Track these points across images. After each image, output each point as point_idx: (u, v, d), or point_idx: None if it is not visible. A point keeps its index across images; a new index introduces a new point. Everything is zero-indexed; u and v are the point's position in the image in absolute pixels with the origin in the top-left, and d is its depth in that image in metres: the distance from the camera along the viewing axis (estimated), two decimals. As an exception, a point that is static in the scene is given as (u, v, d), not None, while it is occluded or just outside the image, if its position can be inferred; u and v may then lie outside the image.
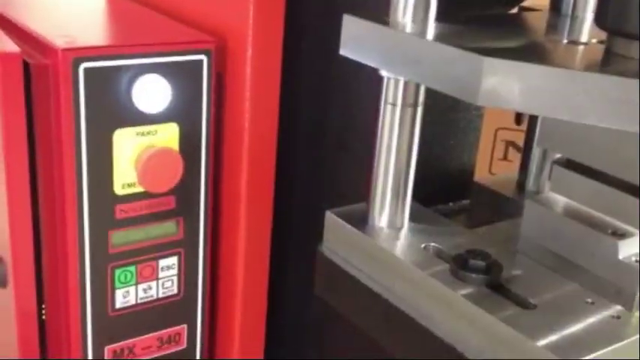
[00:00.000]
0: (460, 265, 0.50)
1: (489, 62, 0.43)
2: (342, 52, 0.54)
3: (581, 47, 0.50)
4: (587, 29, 0.58)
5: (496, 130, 1.36)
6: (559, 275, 0.51)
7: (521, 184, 0.68)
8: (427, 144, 0.67)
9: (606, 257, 0.48)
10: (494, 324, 0.45)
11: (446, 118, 0.68)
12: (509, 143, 1.32)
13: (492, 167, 1.36)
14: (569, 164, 0.50)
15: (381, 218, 0.57)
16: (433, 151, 0.68)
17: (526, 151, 0.68)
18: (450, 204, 0.70)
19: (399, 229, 0.57)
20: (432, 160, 0.68)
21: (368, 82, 0.57)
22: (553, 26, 0.60)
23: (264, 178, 0.67)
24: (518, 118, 1.14)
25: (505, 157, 1.35)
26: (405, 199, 0.57)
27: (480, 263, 0.49)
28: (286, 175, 0.70)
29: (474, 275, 0.49)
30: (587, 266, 0.49)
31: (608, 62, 0.47)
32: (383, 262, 0.54)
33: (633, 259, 0.48)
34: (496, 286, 0.49)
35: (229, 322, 0.71)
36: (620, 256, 0.48)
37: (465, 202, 0.71)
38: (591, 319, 0.46)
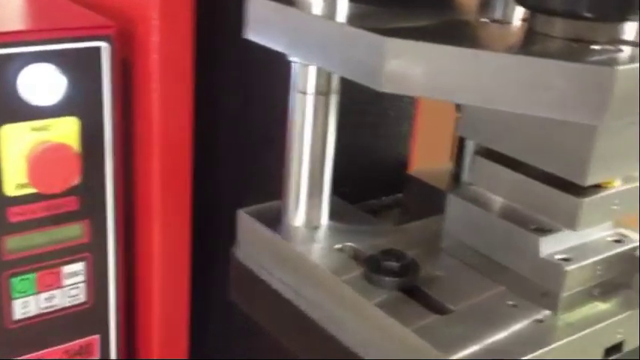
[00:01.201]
0: (373, 268, 0.45)
1: (392, 43, 0.39)
2: (248, 35, 0.49)
3: (502, 26, 0.45)
4: (519, 7, 0.54)
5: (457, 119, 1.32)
6: (482, 276, 0.47)
7: (456, 176, 0.64)
8: (354, 134, 0.63)
9: (528, 255, 0.44)
10: (404, 334, 0.41)
11: (375, 107, 0.63)
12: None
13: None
14: (491, 154, 0.46)
15: (297, 217, 0.53)
16: (361, 142, 0.64)
17: (461, 141, 0.64)
18: (383, 198, 0.66)
19: (316, 228, 0.52)
20: (361, 151, 0.64)
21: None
22: (484, 4, 0.56)
23: (179, 175, 0.62)
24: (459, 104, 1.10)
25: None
26: (321, 196, 0.53)
27: (394, 265, 0.45)
28: (207, 171, 0.65)
29: (386, 278, 0.45)
30: (511, 265, 0.45)
31: (529, 42, 0.42)
32: (294, 265, 0.49)
33: (557, 256, 0.44)
34: (412, 289, 0.45)
35: (148, 330, 0.66)
36: (543, 254, 0.44)
37: (400, 195, 0.67)
38: (512, 324, 0.42)
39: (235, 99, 0.65)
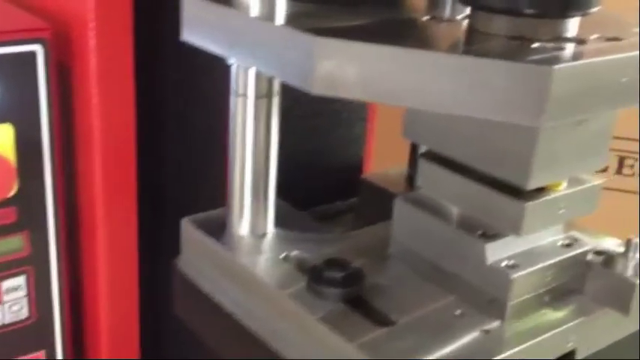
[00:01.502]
0: (315, 279, 0.44)
1: (322, 43, 0.37)
2: (185, 37, 0.47)
3: (444, 25, 0.44)
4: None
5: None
6: (430, 284, 0.45)
7: (411, 180, 0.62)
8: (306, 138, 0.61)
9: (475, 262, 0.42)
10: (347, 350, 0.39)
11: (327, 109, 0.62)
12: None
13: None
14: (437, 157, 0.44)
15: (241, 225, 0.50)
16: (313, 145, 0.62)
17: (414, 144, 0.62)
18: (338, 203, 0.64)
19: (261, 236, 0.50)
20: (313, 155, 0.62)
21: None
22: (433, 2, 0.54)
23: (123, 182, 0.59)
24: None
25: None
26: (267, 202, 0.51)
27: (337, 275, 0.43)
28: (153, 178, 0.63)
29: (330, 290, 0.43)
30: (458, 272, 0.44)
31: (469, 41, 0.41)
32: (236, 276, 0.47)
33: (504, 263, 0.42)
34: (356, 300, 0.43)
35: (96, 344, 0.63)
36: (489, 261, 0.42)
37: (354, 200, 0.65)
38: (458, 335, 0.40)
39: (180, 102, 0.62)
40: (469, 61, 0.35)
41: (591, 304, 0.45)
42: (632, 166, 0.90)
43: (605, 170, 0.94)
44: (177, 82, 0.61)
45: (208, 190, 0.63)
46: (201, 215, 0.52)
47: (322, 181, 0.63)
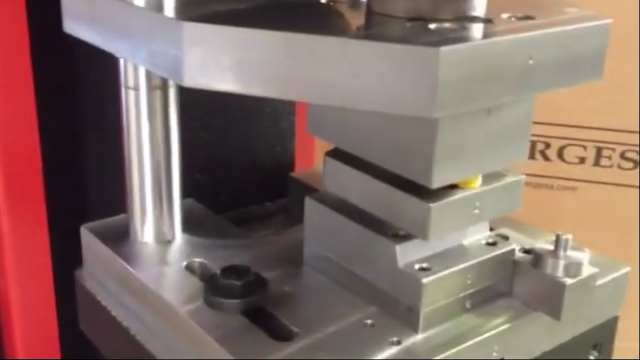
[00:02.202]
0: (212, 289, 0.39)
1: (192, 29, 0.33)
2: (66, 29, 0.42)
3: (342, 8, 0.39)
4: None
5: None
6: (342, 291, 0.41)
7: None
8: (224, 134, 0.57)
9: (387, 265, 0.38)
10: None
11: (246, 102, 0.57)
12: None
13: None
14: (343, 155, 0.40)
15: (144, 231, 0.46)
16: (234, 142, 0.57)
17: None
18: (267, 204, 0.60)
19: (167, 243, 0.46)
20: (234, 152, 0.58)
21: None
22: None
23: (30, 192, 0.55)
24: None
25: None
26: (172, 205, 0.46)
27: (234, 284, 0.39)
28: (77, 181, 0.58)
29: (227, 301, 0.39)
30: (370, 277, 0.40)
31: (365, 25, 0.36)
32: (133, 288, 0.43)
33: (417, 266, 0.38)
34: (257, 311, 0.39)
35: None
36: (401, 264, 0.38)
37: (285, 200, 0.61)
38: (364, 348, 0.36)
39: (100, 101, 0.58)
40: (352, 45, 0.31)
41: (520, 309, 0.41)
42: (610, 157, 0.87)
43: (582, 162, 0.90)
44: (90, 78, 0.56)
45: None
46: (102, 222, 0.48)
47: (247, 181, 0.58)
